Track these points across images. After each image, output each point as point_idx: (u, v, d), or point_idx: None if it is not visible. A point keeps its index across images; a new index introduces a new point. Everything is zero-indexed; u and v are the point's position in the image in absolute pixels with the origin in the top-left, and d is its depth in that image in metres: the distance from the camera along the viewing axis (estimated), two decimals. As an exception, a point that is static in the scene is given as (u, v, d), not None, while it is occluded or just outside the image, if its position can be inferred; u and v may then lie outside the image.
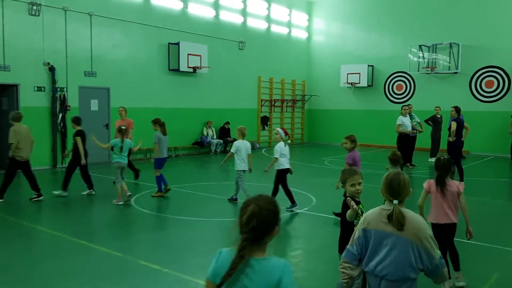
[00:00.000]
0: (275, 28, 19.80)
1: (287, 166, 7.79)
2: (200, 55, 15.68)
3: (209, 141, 16.55)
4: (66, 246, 5.88)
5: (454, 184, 4.52)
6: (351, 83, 19.84)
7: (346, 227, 3.89)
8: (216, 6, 17.02)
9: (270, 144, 19.17)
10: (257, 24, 18.89)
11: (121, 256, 5.47)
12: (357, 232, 2.87)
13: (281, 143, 7.82)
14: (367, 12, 19.79)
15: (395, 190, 2.76)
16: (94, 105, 13.54)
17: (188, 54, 15.33)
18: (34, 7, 11.80)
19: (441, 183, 4.49)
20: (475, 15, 17.09)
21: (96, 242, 5.97)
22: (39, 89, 12.14)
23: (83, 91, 13.17)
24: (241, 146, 8.24)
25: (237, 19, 17.97)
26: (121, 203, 8.16)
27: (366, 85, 19.64)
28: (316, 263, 5.46)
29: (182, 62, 15.19)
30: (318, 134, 21.68)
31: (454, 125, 10.31)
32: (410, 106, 13.60)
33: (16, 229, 6.71)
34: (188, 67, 15.37)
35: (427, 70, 18.01)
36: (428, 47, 18.12)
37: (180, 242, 6.13)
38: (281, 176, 7.75)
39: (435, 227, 4.47)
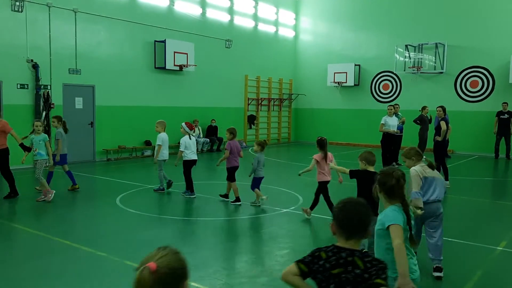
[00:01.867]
0: (262, 27, 19.76)
1: (193, 157, 8.55)
2: (186, 53, 15.56)
3: (196, 139, 16.44)
4: (48, 246, 5.77)
5: None
6: (338, 82, 19.91)
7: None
8: (203, 4, 16.91)
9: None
10: (244, 22, 18.83)
11: (105, 256, 5.39)
12: (418, 181, 4.78)
13: (186, 137, 8.58)
14: (354, 11, 19.87)
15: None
16: (79, 103, 13.35)
17: (175, 52, 15.20)
18: (17, 3, 11.58)
19: None
20: (461, 15, 17.28)
21: (79, 242, 5.86)
22: (22, 86, 11.92)
23: (67, 88, 12.97)
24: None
25: (224, 17, 17.88)
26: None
27: (352, 84, 19.72)
28: (302, 262, 5.43)
29: (168, 60, 15.05)
30: (304, 133, 21.72)
31: (444, 124, 10.38)
32: (397, 105, 13.67)
33: (-3, 229, 6.57)
34: (175, 65, 15.25)
35: (413, 70, 18.15)
36: (414, 47, 18.27)
37: (164, 241, 6.05)
38: (188, 167, 8.51)
39: None
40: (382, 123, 12.52)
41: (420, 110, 14.48)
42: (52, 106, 12.37)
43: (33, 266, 5.07)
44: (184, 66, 15.50)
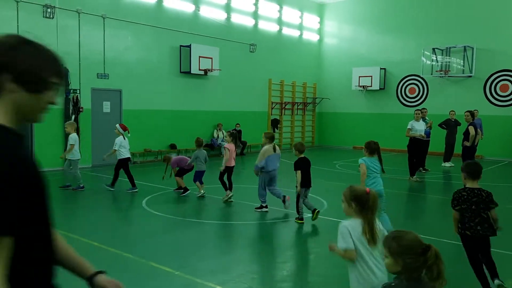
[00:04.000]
0: (286, 31, 19.78)
1: (128, 155, 9.67)
2: (211, 58, 15.71)
3: (219, 143, 16.55)
4: (76, 246, 5.89)
5: None
6: (363, 86, 19.72)
7: None
8: (228, 9, 17.06)
9: (280, 146, 19.12)
10: (268, 26, 18.89)
11: (131, 257, 5.47)
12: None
13: (121, 137, 9.59)
14: (380, 14, 19.68)
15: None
16: (106, 107, 13.63)
17: (200, 57, 15.36)
18: (49, 10, 11.93)
19: None
20: (489, 18, 16.89)
21: (106, 243, 5.97)
22: (52, 90, 12.23)
23: (95, 93, 13.26)
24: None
25: (249, 22, 17.98)
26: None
27: (378, 88, 19.51)
28: (329, 268, 5.40)
29: (193, 64, 15.23)
30: (328, 138, 21.58)
31: (472, 129, 10.14)
32: (425, 110, 13.42)
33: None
34: (199, 69, 15.41)
35: (441, 74, 17.82)
36: (442, 50, 17.94)
37: (190, 244, 6.11)
38: (123, 164, 9.57)
39: None
40: (409, 128, 12.31)
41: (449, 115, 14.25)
42: (81, 110, 12.67)
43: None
44: (208, 70, 15.64)
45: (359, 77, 19.81)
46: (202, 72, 15.57)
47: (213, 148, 16.45)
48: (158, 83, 14.77)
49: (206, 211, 8.31)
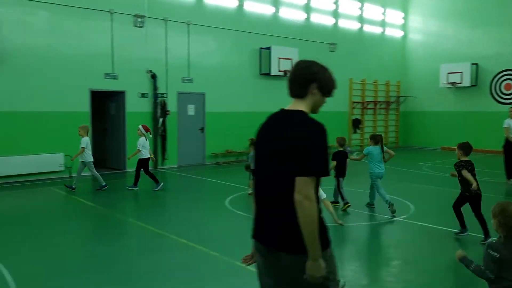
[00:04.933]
0: (368, 28, 19.22)
1: (147, 155, 9.93)
2: (290, 59, 15.72)
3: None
4: (164, 243, 6.20)
5: None
6: (452, 83, 18.55)
7: None
8: (307, 9, 16.97)
9: (361, 147, 18.61)
10: (348, 24, 18.48)
11: (218, 255, 5.63)
12: None
13: (143, 138, 9.92)
14: (470, 7, 18.38)
15: None
16: (191, 109, 14.22)
17: (279, 58, 15.46)
18: (139, 19, 12.71)
19: None
20: None
21: (193, 241, 6.20)
22: (143, 95, 13.03)
23: (181, 96, 13.89)
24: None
25: (328, 21, 17.74)
26: None
27: (469, 85, 18.22)
28: (416, 274, 5.15)
29: (273, 66, 15.37)
30: (414, 138, 20.59)
31: None
32: (522, 107, 12.28)
33: (114, 223, 7.23)
34: (279, 71, 15.51)
35: (542, 67, 16.21)
36: (543, 41, 16.32)
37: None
38: (143, 164, 9.90)
39: None
40: (506, 127, 11.31)
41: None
42: (167, 113, 13.33)
43: (149, 261, 5.48)
44: (288, 71, 15.64)
45: (448, 73, 18.65)
46: (282, 73, 15.64)
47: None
48: (238, 85, 15.10)
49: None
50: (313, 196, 2.23)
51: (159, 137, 13.33)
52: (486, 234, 5.97)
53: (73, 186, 9.73)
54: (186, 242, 6.16)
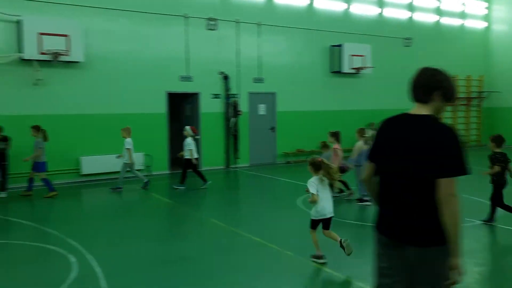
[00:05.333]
0: (446, 21, 18.20)
1: (195, 156, 10.20)
2: (363, 56, 15.33)
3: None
4: (241, 241, 6.32)
5: None
6: (543, 76, 17.03)
7: None
8: (380, 3, 16.44)
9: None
10: (425, 18, 17.63)
11: (292, 255, 5.63)
12: None
13: (190, 138, 10.10)
14: None
15: None
16: (262, 109, 14.36)
17: (351, 55, 15.13)
18: (212, 22, 13.07)
19: None
20: None
21: (268, 239, 6.25)
22: (216, 96, 13.38)
23: (252, 96, 14.07)
24: None
25: (403, 15, 17.05)
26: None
27: (562, 78, 16.63)
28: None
29: (344, 64, 15.07)
30: (498, 136, 19.15)
31: None
32: None
33: (194, 221, 7.48)
34: (351, 68, 15.17)
35: None
36: None
37: (354, 247, 6.01)
38: (190, 164, 10.08)
39: None
40: None
41: None
42: (239, 113, 13.57)
43: (224, 259, 5.61)
44: (361, 68, 15.29)
45: (538, 65, 17.15)
46: (354, 71, 15.30)
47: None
48: (309, 84, 14.99)
49: (362, 213, 8.12)
50: (457, 193, 2.47)
51: (231, 137, 13.61)
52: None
53: (120, 187, 10.07)
54: (260, 241, 6.23)
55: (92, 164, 11.31)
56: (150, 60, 12.18)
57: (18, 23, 10.32)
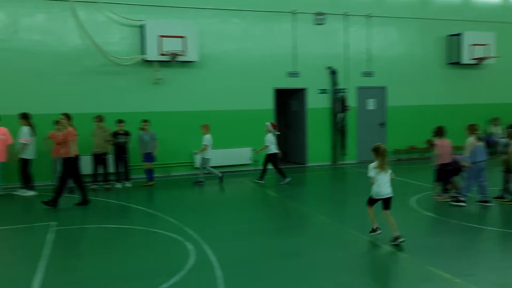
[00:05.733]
0: None
1: (275, 151, 10.37)
2: (486, 44, 14.00)
3: (496, 140, 14.56)
4: (347, 238, 6.17)
5: None
6: None
7: None
8: (507, -14, 14.86)
9: None
10: None
11: (407, 257, 5.35)
12: None
13: (271, 134, 10.37)
14: None
15: None
16: (371, 104, 13.87)
17: (472, 45, 13.90)
18: (320, 17, 12.93)
19: None
20: None
21: (379, 240, 6.02)
22: (323, 91, 13.24)
23: (360, 91, 13.66)
24: None
25: (535, -3, 15.21)
26: None
27: None
28: None
29: (464, 54, 13.90)
30: None
31: None
32: None
33: (302, 218, 7.48)
34: (472, 59, 13.95)
35: None
36: None
37: (470, 251, 5.55)
38: (271, 158, 10.38)
39: None
40: None
41: None
42: (347, 108, 13.26)
43: (332, 255, 5.51)
44: (483, 59, 13.98)
45: None
46: (475, 62, 14.04)
47: (489, 145, 14.60)
48: (423, 77, 14.12)
49: (488, 216, 7.43)
50: None
51: (338, 132, 13.36)
52: None
53: (201, 180, 10.48)
54: (370, 240, 6.02)
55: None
56: (259, 58, 12.44)
57: (141, 27, 11.24)
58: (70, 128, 8.37)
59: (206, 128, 10.57)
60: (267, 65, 12.52)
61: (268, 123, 10.69)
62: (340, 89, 13.29)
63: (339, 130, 13.36)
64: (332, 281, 4.73)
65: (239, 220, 7.46)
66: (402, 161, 13.90)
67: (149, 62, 11.30)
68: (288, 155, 14.21)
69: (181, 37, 11.26)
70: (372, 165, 5.89)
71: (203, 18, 11.86)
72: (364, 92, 13.72)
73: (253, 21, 12.40)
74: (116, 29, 11.16)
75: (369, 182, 5.95)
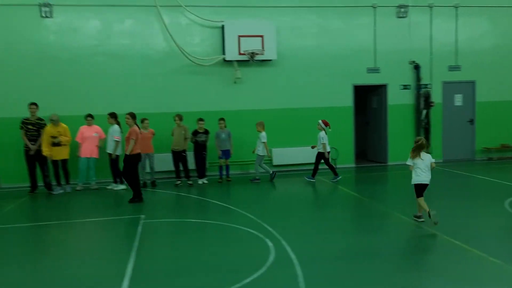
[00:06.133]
0: None
1: (328, 149, 10.21)
2: None
3: None
4: (437, 242, 5.87)
5: None
6: None
7: None
8: None
9: None
10: None
11: (500, 263, 4.98)
12: None
13: (323, 132, 10.23)
14: None
15: None
16: (458, 99, 13.07)
17: None
18: (402, 9, 12.42)
19: None
20: None
21: (471, 244, 5.65)
22: (405, 87, 12.70)
23: (446, 86, 12.92)
24: None
25: None
26: None
27: None
28: None
29: None
30: None
31: None
32: None
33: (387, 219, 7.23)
34: None
35: None
36: None
37: None
38: (322, 156, 10.22)
39: None
40: None
41: None
42: (432, 104, 12.60)
43: (419, 259, 5.26)
44: None
45: None
46: None
47: None
48: (518, 70, 13.03)
49: None
50: None
51: (422, 129, 12.75)
52: None
53: (257, 178, 10.67)
54: (460, 244, 5.67)
55: (282, 155, 11.98)
56: (337, 54, 12.23)
57: (221, 28, 11.55)
58: (134, 127, 8.63)
59: (261, 126, 10.69)
60: (346, 61, 12.27)
61: (320, 121, 10.44)
62: (424, 84, 12.66)
63: (422, 128, 12.74)
64: (418, 282, 4.53)
65: (317, 218, 7.41)
66: (493, 160, 12.93)
67: (228, 62, 11.58)
68: (367, 153, 13.83)
69: (259, 36, 11.40)
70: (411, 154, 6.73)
71: (280, 16, 11.91)
72: (450, 87, 12.95)
73: (331, 17, 12.21)
74: (198, 31, 11.57)
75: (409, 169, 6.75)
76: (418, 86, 12.62)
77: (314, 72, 12.15)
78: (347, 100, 12.42)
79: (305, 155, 11.90)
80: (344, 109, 12.33)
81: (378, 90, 12.99)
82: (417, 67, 12.57)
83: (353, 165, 12.54)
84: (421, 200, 6.61)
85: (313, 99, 12.20)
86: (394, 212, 7.47)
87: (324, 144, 10.21)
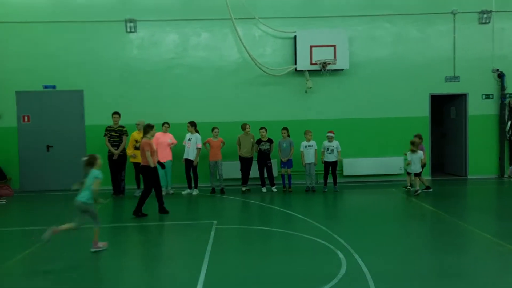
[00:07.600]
0: None
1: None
2: None
3: None
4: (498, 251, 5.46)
5: None
6: None
7: None
8: None
9: None
10: None
11: None
12: None
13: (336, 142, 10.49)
14: None
15: None
16: (549, 110, 12.06)
17: None
18: (485, 15, 11.77)
19: None
20: None
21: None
22: (487, 96, 11.99)
23: (535, 95, 11.99)
24: None
25: None
26: None
27: None
28: None
29: None
30: None
31: None
32: None
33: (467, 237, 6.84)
34: None
35: None
36: None
37: None
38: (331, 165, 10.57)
39: None
40: None
41: None
42: (517, 115, 11.76)
43: (502, 281, 4.93)
44: None
45: None
46: None
47: None
48: None
49: None
50: None
51: (507, 142, 11.93)
52: None
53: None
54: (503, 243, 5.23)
55: (353, 166, 11.77)
56: (413, 62, 11.85)
57: (293, 39, 11.64)
58: (145, 139, 8.29)
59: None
60: (422, 70, 11.84)
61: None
62: (509, 93, 11.86)
63: (507, 140, 11.92)
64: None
65: (391, 232, 7.17)
66: None
67: (300, 72, 11.63)
68: (444, 166, 13.18)
69: (332, 45, 11.35)
70: (408, 152, 9.46)
71: (352, 26, 11.77)
72: (539, 97, 12.00)
73: (405, 25, 11.86)
74: (270, 42, 11.77)
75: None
76: (502, 96, 11.85)
77: (387, 81, 11.85)
78: (423, 110, 11.95)
79: (378, 166, 11.62)
80: (419, 120, 11.88)
81: (457, 100, 12.36)
82: (501, 76, 11.81)
83: (429, 178, 12.00)
84: (416, 179, 9.87)
85: (387, 109, 11.89)
86: (475, 230, 7.05)
87: (339, 152, 10.42)
